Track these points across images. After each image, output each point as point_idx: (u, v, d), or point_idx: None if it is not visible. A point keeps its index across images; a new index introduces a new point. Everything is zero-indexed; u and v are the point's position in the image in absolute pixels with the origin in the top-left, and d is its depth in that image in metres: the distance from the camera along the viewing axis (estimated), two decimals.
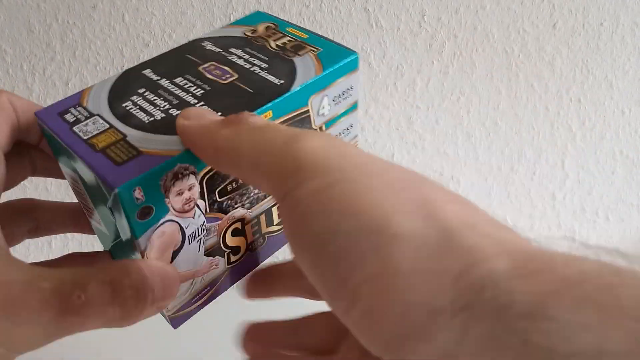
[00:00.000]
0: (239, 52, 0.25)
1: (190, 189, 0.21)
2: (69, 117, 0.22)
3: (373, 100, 0.53)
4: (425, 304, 0.13)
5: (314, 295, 0.24)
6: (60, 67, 0.52)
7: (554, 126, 0.54)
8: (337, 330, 0.23)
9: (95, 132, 0.21)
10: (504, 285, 0.12)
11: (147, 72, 0.24)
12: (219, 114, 0.22)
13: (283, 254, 0.23)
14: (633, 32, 0.53)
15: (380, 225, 0.13)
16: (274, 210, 0.26)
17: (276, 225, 0.27)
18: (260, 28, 0.27)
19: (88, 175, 0.20)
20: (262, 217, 0.25)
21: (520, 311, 0.12)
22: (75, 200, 0.26)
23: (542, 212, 0.56)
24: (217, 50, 0.26)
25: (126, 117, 0.22)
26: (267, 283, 0.26)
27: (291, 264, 0.25)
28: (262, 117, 0.20)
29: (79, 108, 0.22)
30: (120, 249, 0.23)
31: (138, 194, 0.19)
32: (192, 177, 0.21)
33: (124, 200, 0.19)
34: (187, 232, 0.22)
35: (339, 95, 0.26)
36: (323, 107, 0.25)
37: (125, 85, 0.24)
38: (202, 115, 0.20)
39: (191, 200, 0.21)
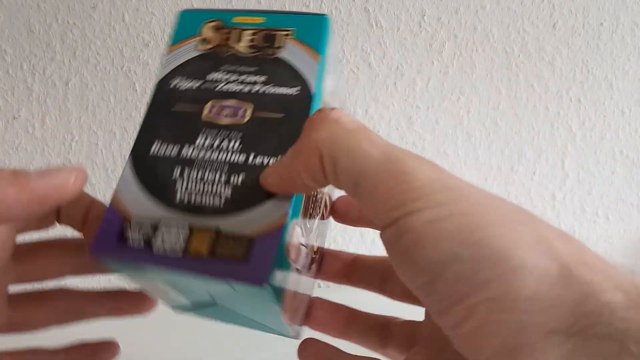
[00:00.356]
0: (220, 75, 0.22)
1: (296, 237, 0.20)
2: (135, 238, 0.19)
3: (373, 100, 0.53)
4: (542, 325, 0.14)
5: (389, 294, 0.26)
6: (60, 67, 0.52)
7: (554, 126, 0.54)
8: None
9: (182, 241, 0.19)
10: (620, 314, 0.14)
11: (158, 147, 0.21)
12: (279, 157, 0.20)
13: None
14: (633, 32, 0.53)
15: (503, 256, 0.15)
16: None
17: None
18: (209, 34, 0.23)
19: (208, 284, 0.18)
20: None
21: (635, 336, 0.14)
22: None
23: (542, 212, 0.56)
24: (197, 84, 0.22)
25: (194, 209, 0.19)
26: (347, 271, 0.28)
27: (375, 259, 0.28)
28: (342, 111, 0.19)
29: (133, 223, 0.19)
30: (206, 307, 0.22)
31: (278, 275, 0.18)
32: (296, 227, 0.20)
33: (274, 290, 0.18)
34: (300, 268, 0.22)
35: (333, 63, 0.24)
36: (328, 85, 0.24)
37: (152, 174, 0.20)
38: (280, 161, 0.19)
39: (300, 246, 0.21)
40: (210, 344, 0.45)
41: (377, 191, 0.16)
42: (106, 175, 0.54)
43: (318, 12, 0.24)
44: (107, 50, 0.52)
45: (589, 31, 0.53)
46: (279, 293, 0.19)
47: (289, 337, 0.25)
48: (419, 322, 0.24)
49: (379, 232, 0.17)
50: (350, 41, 0.52)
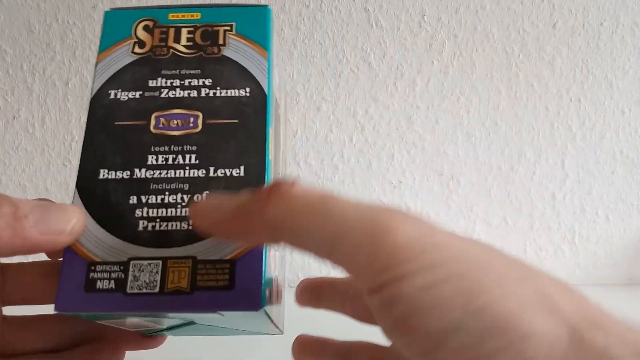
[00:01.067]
0: (162, 81, 0.20)
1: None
2: (104, 285, 0.17)
3: (373, 100, 0.53)
4: None
5: (359, 318, 0.24)
6: (60, 67, 0.52)
7: (554, 126, 0.54)
8: None
9: (158, 277, 0.17)
10: None
11: (106, 173, 0.19)
12: (242, 168, 0.18)
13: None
14: (633, 32, 0.53)
15: (510, 324, 0.14)
16: None
17: None
18: (143, 35, 0.21)
19: (192, 315, 0.17)
20: None
21: None
22: None
23: (542, 212, 0.56)
24: (138, 94, 0.20)
25: (162, 238, 0.17)
26: (316, 294, 0.25)
27: (345, 282, 0.25)
28: (304, 184, 0.16)
29: (99, 267, 0.17)
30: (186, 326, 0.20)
31: (268, 292, 0.17)
32: None
33: (267, 311, 0.17)
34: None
35: (277, 54, 0.22)
36: (275, 80, 0.22)
37: (105, 206, 0.18)
38: (220, 205, 0.17)
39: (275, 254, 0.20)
40: (211, 342, 0.45)
41: (359, 255, 0.15)
42: None
43: (259, 3, 0.22)
44: None
45: (589, 31, 0.53)
46: (270, 310, 0.18)
47: (274, 334, 0.24)
48: (386, 347, 0.23)
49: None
50: (350, 41, 0.52)
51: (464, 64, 0.53)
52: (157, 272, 0.17)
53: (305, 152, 0.54)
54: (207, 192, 0.18)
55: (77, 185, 0.19)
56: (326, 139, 0.53)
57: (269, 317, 0.18)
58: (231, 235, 0.17)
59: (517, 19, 0.52)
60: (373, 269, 0.15)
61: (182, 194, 0.18)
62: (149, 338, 0.23)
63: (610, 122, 0.54)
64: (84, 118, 0.56)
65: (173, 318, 0.18)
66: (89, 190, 0.18)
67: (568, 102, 0.54)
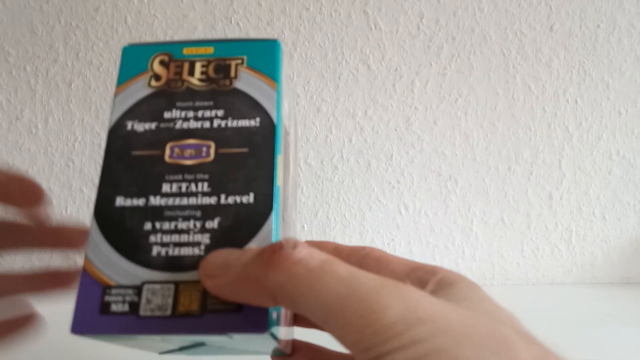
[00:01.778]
0: (177, 112, 0.21)
1: None
2: (118, 308, 0.17)
3: (372, 101, 0.54)
4: None
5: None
6: (63, 69, 0.53)
7: (551, 127, 0.55)
8: None
9: (170, 301, 0.17)
10: None
11: (122, 201, 0.19)
12: (251, 194, 0.19)
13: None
14: (630, 33, 0.53)
15: None
16: None
17: None
18: (159, 69, 0.22)
19: (202, 337, 0.18)
20: None
21: None
22: None
23: (539, 212, 0.56)
24: (153, 125, 0.21)
25: (174, 263, 0.18)
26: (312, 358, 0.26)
27: (338, 355, 0.26)
28: (305, 248, 0.17)
29: (113, 290, 0.18)
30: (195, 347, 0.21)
31: (275, 315, 0.18)
32: None
33: (273, 333, 0.18)
34: None
35: (287, 84, 0.23)
36: (284, 109, 0.23)
37: (121, 232, 0.19)
38: (227, 264, 0.17)
39: None
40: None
41: (349, 332, 0.15)
42: None
43: (268, 37, 0.23)
44: (110, 52, 0.53)
45: (585, 33, 0.53)
46: (276, 331, 0.18)
47: (282, 354, 0.25)
48: None
49: None
50: (350, 43, 0.53)
51: (462, 66, 0.53)
52: (169, 295, 0.18)
53: (305, 152, 0.54)
54: (219, 218, 0.19)
55: (94, 212, 0.19)
56: (326, 140, 0.54)
57: (276, 339, 0.18)
58: (237, 299, 0.17)
59: (515, 21, 0.53)
60: (361, 346, 0.15)
61: (195, 220, 0.19)
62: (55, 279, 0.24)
63: (607, 123, 0.55)
64: (87, 119, 0.57)
65: (184, 339, 0.18)
66: (106, 217, 0.19)
67: (565, 103, 0.54)
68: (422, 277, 0.20)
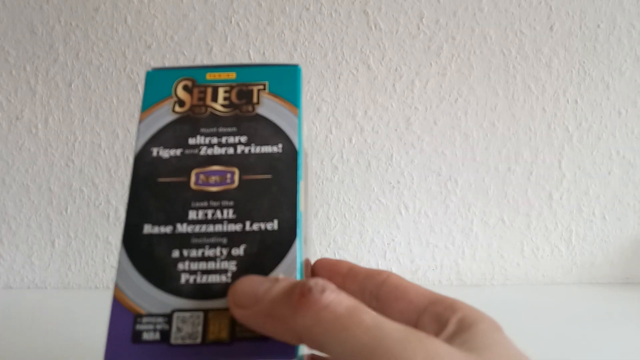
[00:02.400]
0: (201, 139, 0.21)
1: None
2: (149, 336, 0.18)
3: (372, 101, 0.54)
4: None
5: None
6: (63, 69, 0.53)
7: (551, 127, 0.55)
8: None
9: (200, 329, 0.18)
10: None
11: (150, 229, 0.20)
12: (276, 221, 0.19)
13: None
14: (630, 33, 0.53)
15: None
16: None
17: None
18: (183, 95, 0.22)
19: None
20: None
21: None
22: None
23: (539, 212, 0.56)
24: (179, 153, 0.21)
25: (203, 291, 0.18)
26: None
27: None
28: (334, 292, 0.17)
29: (144, 319, 0.18)
30: None
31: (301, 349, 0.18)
32: None
33: (299, 357, 0.18)
34: None
35: (305, 107, 0.24)
36: (304, 132, 0.23)
37: (150, 260, 0.19)
38: (256, 297, 0.18)
39: None
40: None
41: None
42: (109, 176, 0.54)
43: (288, 62, 0.23)
44: (110, 51, 0.53)
45: (585, 33, 0.53)
46: (302, 356, 0.19)
47: None
48: None
49: None
50: (350, 43, 0.53)
51: (462, 66, 0.53)
52: (199, 323, 0.18)
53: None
54: (244, 245, 0.19)
55: (122, 240, 0.19)
56: (326, 140, 0.54)
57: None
58: (263, 332, 0.18)
59: (515, 21, 0.53)
60: None
61: (221, 247, 0.19)
62: None
63: (607, 123, 0.55)
64: (87, 119, 0.57)
65: None
66: (134, 245, 0.19)
67: (565, 103, 0.54)
68: (441, 313, 0.20)
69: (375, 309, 0.24)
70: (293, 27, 0.52)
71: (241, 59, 0.52)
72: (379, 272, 0.23)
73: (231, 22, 0.52)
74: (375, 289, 0.23)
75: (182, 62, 0.52)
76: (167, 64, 0.52)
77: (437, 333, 0.19)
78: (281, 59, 0.52)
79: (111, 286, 0.56)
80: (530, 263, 0.57)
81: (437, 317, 0.20)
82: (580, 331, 0.46)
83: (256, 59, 0.52)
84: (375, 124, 0.54)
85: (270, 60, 0.52)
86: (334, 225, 0.56)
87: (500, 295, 0.55)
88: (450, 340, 0.18)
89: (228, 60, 0.52)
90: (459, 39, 0.53)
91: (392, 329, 0.16)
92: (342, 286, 0.25)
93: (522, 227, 0.57)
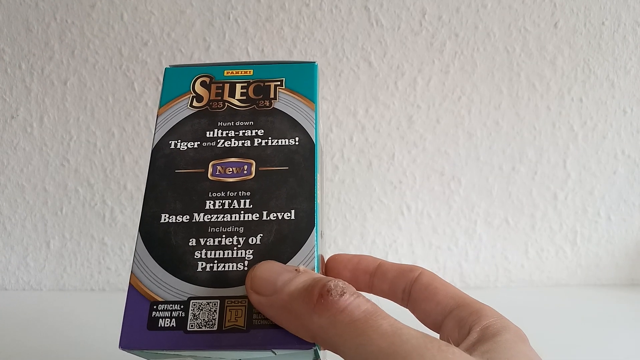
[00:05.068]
0: (219, 132, 0.22)
1: None
2: (165, 324, 0.18)
3: (373, 99, 0.53)
4: None
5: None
6: (58, 67, 0.52)
7: (556, 126, 0.54)
8: None
9: (216, 316, 0.18)
10: None
11: (167, 218, 0.20)
12: (292, 211, 0.19)
13: None
14: (635, 31, 0.52)
15: None
16: None
17: None
18: (200, 90, 0.23)
19: (247, 353, 0.18)
20: None
21: None
22: None
23: (543, 212, 0.55)
24: (196, 145, 0.21)
25: (219, 279, 0.19)
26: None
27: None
28: (353, 295, 0.17)
29: (160, 306, 0.18)
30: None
31: None
32: None
33: (317, 350, 0.18)
34: None
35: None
36: (320, 127, 0.24)
37: (166, 248, 0.19)
38: (274, 286, 0.18)
39: None
40: None
41: None
42: (104, 175, 0.53)
43: (305, 59, 0.24)
44: (106, 49, 0.52)
45: (590, 30, 0.52)
46: (319, 348, 0.18)
47: None
48: None
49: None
50: (351, 40, 0.52)
51: (465, 63, 0.52)
52: (215, 310, 0.18)
53: None
54: (261, 234, 0.19)
55: (140, 229, 0.20)
56: (326, 139, 0.53)
57: (318, 356, 0.19)
58: (277, 322, 0.18)
59: (519, 18, 0.52)
60: None
61: (238, 236, 0.19)
62: None
63: (612, 122, 0.54)
64: (83, 118, 0.56)
65: (228, 356, 0.18)
66: (151, 234, 0.20)
67: (569, 101, 0.53)
68: (465, 318, 0.20)
69: (408, 307, 0.23)
70: (292, 23, 0.51)
71: (239, 56, 0.51)
72: (410, 269, 0.23)
73: (229, 18, 0.51)
74: (408, 287, 0.23)
75: (179, 59, 0.51)
76: (164, 61, 0.51)
77: (459, 340, 0.19)
78: (280, 56, 0.51)
79: (107, 288, 0.55)
80: (535, 264, 0.56)
81: (461, 322, 0.20)
82: (585, 333, 0.46)
83: (255, 56, 0.51)
84: (376, 122, 0.53)
85: (270, 57, 0.51)
86: (335, 225, 0.55)
87: (504, 298, 0.54)
88: (471, 349, 0.17)
89: (226, 58, 0.51)
90: (462, 36, 0.52)
91: (410, 336, 0.16)
92: (370, 285, 0.25)
93: (526, 228, 0.56)
